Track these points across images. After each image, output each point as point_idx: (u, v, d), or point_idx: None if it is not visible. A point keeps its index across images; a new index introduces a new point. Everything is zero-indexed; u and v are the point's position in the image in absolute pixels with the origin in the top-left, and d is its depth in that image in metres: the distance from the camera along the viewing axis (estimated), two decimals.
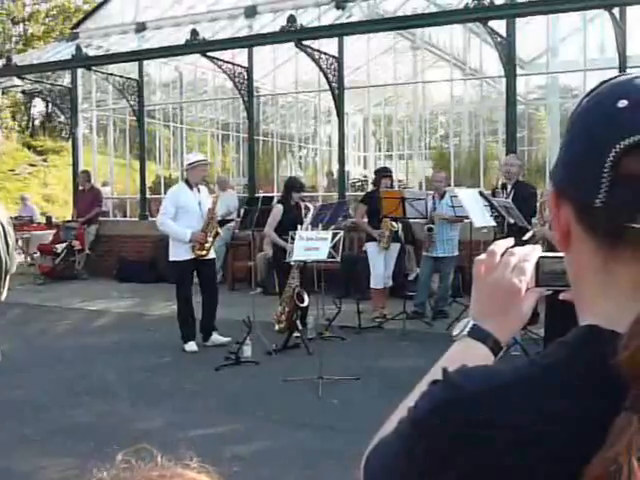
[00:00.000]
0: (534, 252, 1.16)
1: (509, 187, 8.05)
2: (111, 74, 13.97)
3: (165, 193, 14.63)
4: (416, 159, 15.74)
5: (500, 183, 8.10)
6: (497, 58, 13.87)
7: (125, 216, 15.15)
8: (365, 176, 15.33)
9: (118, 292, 12.23)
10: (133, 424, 5.62)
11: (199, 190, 8.06)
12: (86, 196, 14.58)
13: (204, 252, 7.86)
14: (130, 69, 14.64)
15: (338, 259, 6.48)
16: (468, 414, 0.81)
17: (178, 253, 7.98)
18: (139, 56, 13.18)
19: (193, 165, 8.05)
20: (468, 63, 14.51)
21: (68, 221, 14.48)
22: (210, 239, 7.89)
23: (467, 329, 1.14)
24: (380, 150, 19.83)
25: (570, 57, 13.68)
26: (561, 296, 1.17)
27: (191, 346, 7.96)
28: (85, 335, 9.09)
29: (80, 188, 14.86)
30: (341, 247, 6.49)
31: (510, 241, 1.21)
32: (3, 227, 3.01)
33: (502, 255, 1.16)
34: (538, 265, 1.15)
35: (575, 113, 0.90)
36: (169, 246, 8.14)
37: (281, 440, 5.35)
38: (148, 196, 14.63)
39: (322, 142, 19.13)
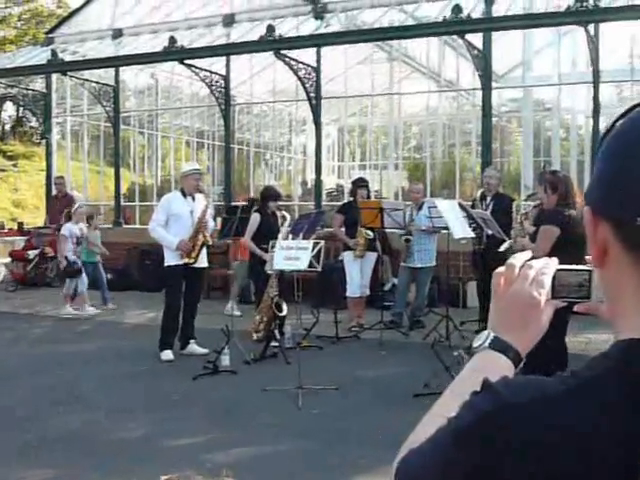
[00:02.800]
0: (551, 265, 1.18)
1: (488, 198, 8.13)
2: (87, 80, 13.86)
3: (139, 200, 14.64)
4: (390, 169, 15.81)
5: (479, 194, 8.17)
6: (472, 71, 14.08)
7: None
8: (341, 186, 15.36)
9: (91, 299, 12.08)
10: (112, 434, 5.57)
11: (193, 198, 8.07)
12: (59, 202, 14.40)
13: (191, 260, 7.86)
14: (105, 75, 14.55)
15: (319, 269, 6.48)
16: (514, 426, 0.82)
17: (170, 258, 7.99)
18: (117, 62, 13.11)
19: (186, 174, 8.11)
20: (443, 75, 14.64)
21: (41, 227, 14.32)
22: (197, 247, 7.88)
23: (488, 341, 1.16)
24: (354, 160, 19.92)
25: (544, 71, 13.86)
26: (575, 308, 1.20)
27: (167, 355, 7.91)
28: (60, 343, 8.98)
29: (54, 194, 14.69)
30: (322, 257, 6.48)
31: (528, 254, 1.23)
32: None
33: (521, 268, 1.18)
34: (554, 277, 1.18)
35: (610, 136, 0.91)
36: (163, 252, 8.13)
37: (262, 450, 5.33)
38: (122, 203, 14.51)
39: (296, 151, 19.18)
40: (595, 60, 10.24)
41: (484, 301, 8.48)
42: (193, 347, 8.17)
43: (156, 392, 6.73)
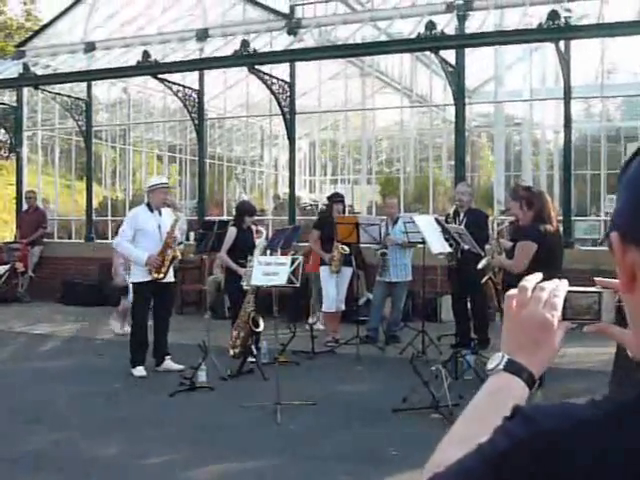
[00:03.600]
0: (562, 286, 1.19)
1: (461, 214, 8.18)
2: (58, 94, 13.74)
3: (112, 215, 14.52)
4: (362, 184, 15.87)
5: (452, 210, 8.22)
6: (443, 86, 14.25)
7: (70, 238, 14.84)
8: (315, 200, 15.37)
9: (63, 315, 11.96)
10: (86, 453, 5.48)
11: (160, 213, 7.99)
12: (30, 217, 14.27)
13: (161, 275, 7.77)
14: (77, 89, 14.44)
15: (297, 284, 6.46)
16: (548, 452, 0.82)
17: (137, 275, 7.89)
18: (89, 76, 13.03)
19: (153, 188, 8.01)
20: (415, 90, 14.77)
21: (11, 242, 14.13)
22: (167, 262, 7.81)
23: (503, 363, 1.17)
24: (326, 174, 19.98)
25: (515, 86, 14.05)
26: (585, 329, 1.21)
27: (140, 371, 7.83)
28: (32, 360, 8.85)
29: (24, 208, 14.54)
30: (300, 272, 6.47)
31: (539, 276, 1.24)
32: None
33: (533, 290, 1.19)
34: (565, 299, 1.19)
35: (636, 161, 0.91)
36: (130, 268, 8.03)
37: (242, 467, 5.30)
38: (94, 218, 14.38)
39: (268, 165, 19.18)
40: (566, 76, 10.38)
41: (459, 316, 8.52)
42: (169, 363, 8.10)
43: (131, 409, 6.65)
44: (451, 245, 7.03)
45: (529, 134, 15.30)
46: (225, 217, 13.23)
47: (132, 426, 6.15)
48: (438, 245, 6.74)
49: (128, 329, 9.44)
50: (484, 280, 6.52)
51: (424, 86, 15.43)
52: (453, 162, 15.58)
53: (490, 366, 1.18)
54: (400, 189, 14.32)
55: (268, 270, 6.50)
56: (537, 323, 1.15)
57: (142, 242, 7.83)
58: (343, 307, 9.66)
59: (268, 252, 7.50)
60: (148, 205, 8.02)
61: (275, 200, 16.41)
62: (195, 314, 11.94)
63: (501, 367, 1.16)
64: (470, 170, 16.77)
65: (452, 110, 14.68)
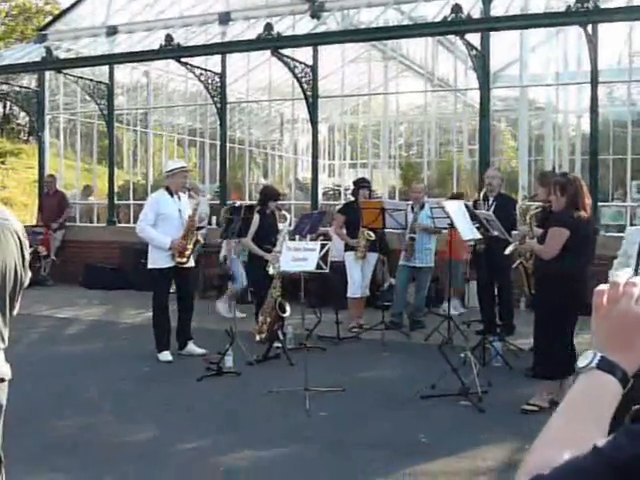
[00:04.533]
0: None
1: (490, 199, 8.10)
2: (80, 77, 13.73)
3: (133, 199, 14.53)
4: (384, 168, 15.81)
5: (482, 195, 8.14)
6: (464, 70, 14.15)
7: (91, 222, 14.88)
8: (337, 185, 15.31)
9: (86, 299, 12.01)
10: (118, 438, 5.49)
11: (179, 197, 7.97)
12: (51, 200, 14.32)
13: (184, 259, 7.77)
14: (98, 72, 14.42)
15: (327, 270, 6.43)
16: None
17: (158, 260, 7.86)
18: (113, 60, 13.00)
19: (173, 172, 7.96)
20: (436, 74, 14.64)
21: (33, 226, 14.19)
22: (190, 246, 7.79)
23: (595, 361, 1.14)
24: (345, 159, 19.91)
25: (536, 70, 13.89)
26: None
27: (165, 356, 7.85)
28: (59, 344, 8.89)
29: (44, 191, 14.60)
30: (329, 258, 6.44)
31: (629, 271, 1.21)
32: (20, 239, 2.91)
33: (624, 286, 1.16)
34: None
35: None
36: (148, 253, 8.00)
37: (275, 453, 5.29)
38: (116, 202, 14.40)
39: (287, 149, 19.14)
40: (594, 60, 10.24)
41: (486, 302, 8.46)
42: (191, 347, 8.11)
43: (160, 395, 6.66)
44: (480, 231, 6.97)
45: (551, 118, 15.16)
46: (247, 201, 13.23)
47: (162, 411, 6.17)
48: (468, 231, 6.68)
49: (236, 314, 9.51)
50: (515, 265, 6.45)
51: (445, 70, 15.30)
52: (473, 147, 15.55)
53: (581, 364, 1.16)
54: (422, 174, 14.27)
55: (297, 255, 6.48)
56: (630, 320, 1.13)
57: (163, 227, 7.79)
58: (368, 293, 9.64)
59: (296, 237, 7.44)
60: (167, 189, 7.97)
61: (296, 184, 16.39)
62: (217, 298, 11.96)
63: (594, 365, 1.14)
64: (491, 155, 16.67)
65: (473, 94, 14.68)
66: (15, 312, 3.04)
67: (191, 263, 7.99)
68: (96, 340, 9.01)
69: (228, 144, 13.59)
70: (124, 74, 15.61)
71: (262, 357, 7.70)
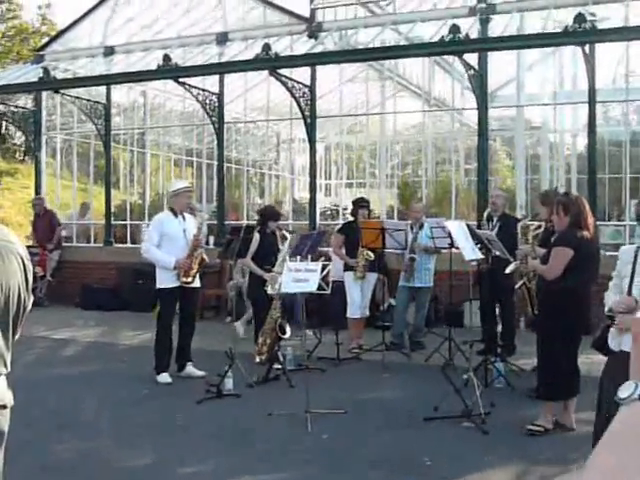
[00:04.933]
0: None
1: (495, 219, 8.08)
2: (78, 97, 13.72)
3: (130, 219, 14.49)
4: (381, 187, 15.80)
5: (485, 215, 8.12)
6: (460, 89, 14.23)
7: (88, 242, 14.81)
8: (335, 205, 15.29)
9: (82, 320, 11.92)
10: (118, 462, 5.41)
11: (184, 217, 7.94)
12: (42, 220, 14.29)
13: (190, 279, 7.73)
14: (95, 92, 14.43)
15: (328, 291, 6.38)
16: None
17: (164, 280, 7.83)
18: (110, 80, 12.98)
19: (177, 192, 7.95)
20: (432, 94, 14.68)
21: (29, 246, 14.09)
22: (195, 266, 7.75)
23: (638, 392, 1.10)
24: (342, 178, 19.91)
25: (532, 90, 13.94)
26: None
27: (164, 377, 7.78)
28: (56, 365, 8.80)
29: (35, 213, 14.58)
30: (330, 278, 6.39)
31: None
32: (23, 262, 2.86)
33: None
34: None
35: None
36: (155, 273, 7.97)
37: (278, 477, 5.22)
38: (113, 222, 14.35)
39: (284, 169, 19.14)
40: (592, 80, 10.27)
41: (487, 322, 8.42)
42: (190, 369, 8.05)
43: (160, 417, 6.58)
44: (482, 251, 6.94)
45: (546, 138, 15.20)
46: (245, 221, 13.20)
47: (161, 434, 6.09)
48: (470, 251, 6.65)
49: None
50: (518, 286, 6.41)
51: (442, 90, 15.38)
52: (469, 166, 15.59)
53: (622, 395, 1.12)
54: (419, 193, 14.26)
55: (298, 276, 6.42)
56: None
57: (168, 247, 7.78)
58: (367, 313, 9.58)
59: (297, 258, 7.39)
60: (172, 210, 7.97)
61: (294, 204, 16.36)
62: (215, 319, 11.91)
63: (636, 396, 1.10)
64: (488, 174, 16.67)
65: (469, 113, 14.76)
66: (17, 337, 2.98)
67: (197, 283, 7.95)
68: (94, 362, 8.92)
69: (225, 164, 13.57)
70: (121, 94, 15.61)
71: (262, 379, 7.62)
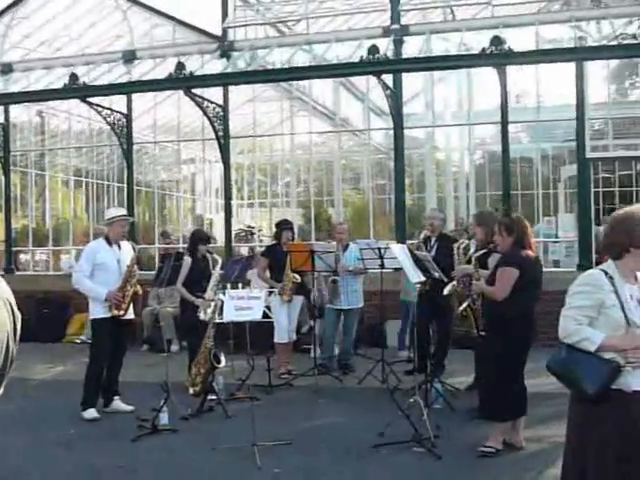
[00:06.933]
0: None
1: (433, 240, 8.08)
2: None
3: (33, 245, 13.77)
4: (282, 207, 15.74)
5: (422, 236, 8.11)
6: (362, 110, 14.56)
7: None
8: (250, 226, 15.05)
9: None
10: None
11: (119, 246, 7.56)
12: None
13: (121, 312, 7.34)
14: None
15: (273, 319, 6.19)
16: None
17: (97, 311, 7.45)
18: (10, 99, 12.21)
19: (112, 221, 7.58)
20: (339, 114, 14.78)
21: None
22: (128, 299, 7.38)
23: None
24: (242, 199, 19.73)
25: (417, 110, 14.43)
26: None
27: (91, 413, 7.35)
28: None
29: None
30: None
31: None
32: (12, 310, 2.55)
33: None
34: None
35: None
36: (89, 304, 7.56)
37: None
38: (14, 248, 13.59)
39: (186, 190, 18.77)
40: (504, 101, 10.53)
41: (422, 341, 8.36)
42: (118, 404, 7.65)
43: (94, 459, 6.12)
44: (423, 273, 6.91)
45: (431, 156, 15.67)
46: (156, 245, 12.79)
47: (100, 477, 5.70)
48: (414, 274, 6.61)
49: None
50: (462, 308, 6.41)
51: (348, 111, 15.59)
52: (374, 184, 15.79)
53: None
54: (329, 212, 14.25)
55: (241, 304, 6.20)
56: None
57: (101, 277, 7.39)
58: (295, 337, 9.42)
59: (227, 283, 7.16)
60: (106, 239, 7.58)
61: (197, 224, 15.99)
62: (130, 348, 11.37)
63: None
64: (387, 193, 16.87)
65: (372, 134, 15.04)
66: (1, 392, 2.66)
67: (130, 315, 7.57)
68: (7, 400, 8.28)
69: (135, 187, 13.11)
70: (15, 114, 14.84)
71: (196, 411, 7.31)
